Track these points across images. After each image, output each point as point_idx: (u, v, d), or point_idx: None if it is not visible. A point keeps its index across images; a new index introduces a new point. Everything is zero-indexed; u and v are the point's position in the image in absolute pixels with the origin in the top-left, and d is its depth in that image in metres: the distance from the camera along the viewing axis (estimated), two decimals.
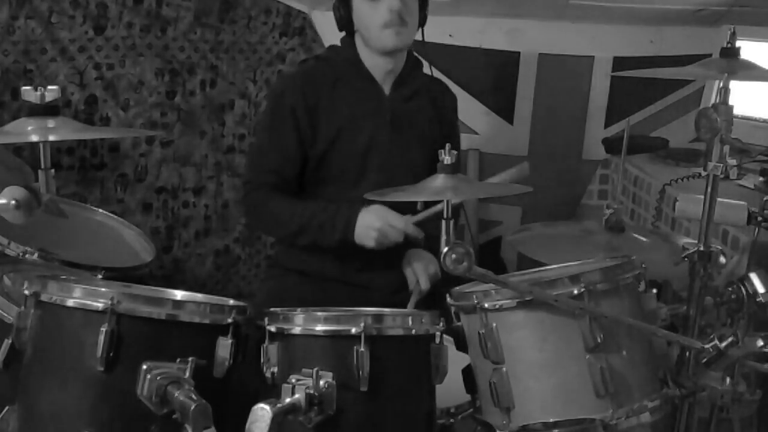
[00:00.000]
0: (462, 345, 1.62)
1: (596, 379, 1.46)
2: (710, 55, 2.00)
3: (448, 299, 1.63)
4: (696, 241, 1.69)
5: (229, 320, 1.48)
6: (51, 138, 1.40)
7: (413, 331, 1.54)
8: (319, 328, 1.49)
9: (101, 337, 1.37)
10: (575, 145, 3.29)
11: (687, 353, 1.64)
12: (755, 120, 2.96)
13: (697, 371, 1.64)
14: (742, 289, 1.60)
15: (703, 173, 1.64)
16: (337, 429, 1.44)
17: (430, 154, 2.24)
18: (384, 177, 2.19)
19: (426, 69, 2.39)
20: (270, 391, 1.44)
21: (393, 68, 2.22)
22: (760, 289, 1.59)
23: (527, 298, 1.49)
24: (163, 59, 2.99)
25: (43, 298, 1.42)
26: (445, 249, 1.39)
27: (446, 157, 1.47)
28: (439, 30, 3.04)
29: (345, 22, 2.21)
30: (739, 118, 1.65)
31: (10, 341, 1.41)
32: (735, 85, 1.61)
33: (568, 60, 3.17)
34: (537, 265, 1.85)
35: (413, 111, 2.26)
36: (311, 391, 1.39)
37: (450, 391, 1.62)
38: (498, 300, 1.51)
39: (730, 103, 1.60)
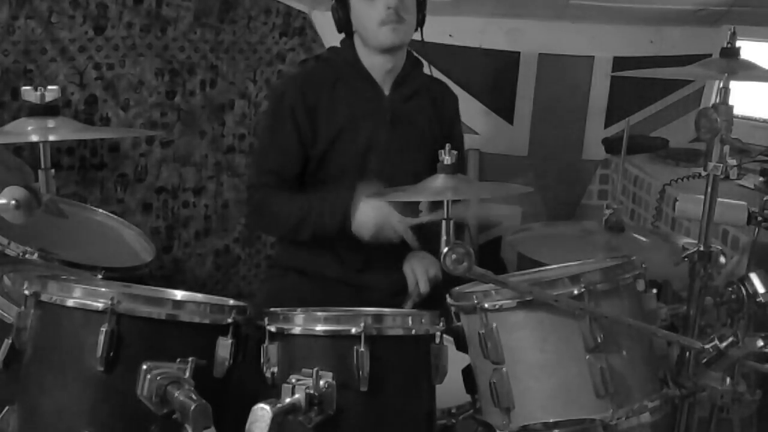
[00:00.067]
0: (462, 345, 1.62)
1: (596, 379, 1.46)
2: (710, 55, 2.00)
3: (448, 299, 1.63)
4: (696, 241, 1.69)
5: (229, 320, 1.48)
6: (51, 138, 1.40)
7: (413, 331, 1.54)
8: (319, 328, 1.49)
9: (101, 337, 1.36)
10: (575, 145, 3.29)
11: (687, 353, 1.64)
12: (755, 120, 2.96)
13: (697, 371, 1.64)
14: (742, 289, 1.60)
15: (703, 173, 1.64)
16: (337, 429, 1.44)
17: (430, 154, 2.24)
18: (384, 177, 2.19)
19: (426, 69, 2.39)
20: (270, 391, 1.44)
21: (392, 67, 2.22)
22: (760, 289, 1.59)
23: (527, 299, 1.49)
24: (163, 59, 2.99)
25: (43, 298, 1.42)
26: (445, 249, 1.39)
27: (446, 157, 1.47)
28: (439, 30, 3.04)
29: (344, 23, 2.22)
30: (739, 118, 1.64)
31: (10, 341, 1.40)
32: (735, 85, 1.61)
33: (568, 60, 3.17)
34: (537, 265, 1.85)
35: (413, 111, 2.26)
36: (311, 391, 1.39)
37: (450, 391, 1.62)
38: (498, 300, 1.51)
39: (730, 103, 1.60)
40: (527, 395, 1.51)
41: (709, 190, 1.65)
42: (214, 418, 1.29)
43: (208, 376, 1.44)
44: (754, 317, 1.61)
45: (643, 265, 1.60)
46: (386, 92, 2.24)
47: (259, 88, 3.20)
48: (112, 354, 1.37)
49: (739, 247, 2.24)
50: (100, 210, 2.34)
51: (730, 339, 1.52)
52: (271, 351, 1.49)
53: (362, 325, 1.45)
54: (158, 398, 1.34)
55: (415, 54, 2.33)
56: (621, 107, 3.16)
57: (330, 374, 1.43)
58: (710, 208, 1.66)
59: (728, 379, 1.65)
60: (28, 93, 1.41)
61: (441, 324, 1.57)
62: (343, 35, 2.27)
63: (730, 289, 1.63)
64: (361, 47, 2.22)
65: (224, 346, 1.47)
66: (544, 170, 3.23)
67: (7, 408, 1.40)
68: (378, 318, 1.50)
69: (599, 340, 1.46)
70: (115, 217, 2.33)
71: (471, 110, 3.12)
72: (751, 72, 1.65)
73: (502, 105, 3.23)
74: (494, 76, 3.20)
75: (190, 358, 1.40)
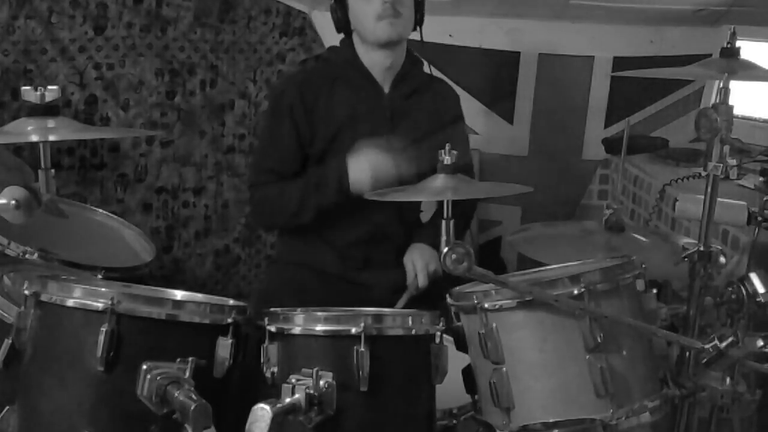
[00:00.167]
0: (462, 345, 1.62)
1: (596, 379, 1.46)
2: (710, 55, 2.00)
3: (448, 299, 1.63)
4: (696, 241, 1.69)
5: (229, 320, 1.48)
6: (51, 138, 1.40)
7: (413, 331, 1.54)
8: (319, 328, 1.49)
9: (101, 337, 1.37)
10: (575, 145, 3.29)
11: (687, 353, 1.64)
12: (755, 120, 2.96)
13: (697, 371, 1.64)
14: (742, 289, 1.60)
15: (703, 173, 1.64)
16: (337, 429, 1.44)
17: (431, 152, 2.24)
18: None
19: (426, 68, 2.39)
20: (270, 391, 1.44)
21: (391, 64, 2.22)
22: (760, 289, 1.59)
23: (527, 299, 1.49)
24: (163, 59, 2.99)
25: (43, 298, 1.42)
26: (445, 249, 1.39)
27: (446, 157, 1.47)
28: (439, 30, 3.04)
29: (342, 23, 2.22)
30: (739, 118, 1.65)
31: (10, 341, 1.41)
32: (735, 85, 1.61)
33: (568, 60, 3.17)
34: (537, 265, 1.85)
35: (413, 109, 2.26)
36: (311, 391, 1.39)
37: (450, 391, 1.62)
38: (498, 300, 1.51)
39: (730, 103, 1.60)
40: (527, 395, 1.51)
41: (709, 190, 1.64)
42: (214, 418, 1.29)
43: (208, 376, 1.44)
44: (754, 317, 1.61)
45: (643, 265, 1.60)
46: (386, 90, 2.24)
47: (259, 88, 3.20)
48: (112, 354, 1.37)
49: (739, 247, 2.24)
50: (100, 210, 2.34)
51: (730, 339, 1.52)
52: (271, 351, 1.49)
53: (362, 325, 1.45)
54: (158, 398, 1.34)
55: (415, 53, 2.33)
56: (621, 107, 3.16)
57: (330, 374, 1.43)
58: (710, 208, 1.65)
59: (728, 379, 1.65)
60: (28, 93, 1.42)
61: (441, 324, 1.57)
62: (342, 36, 2.27)
63: (730, 289, 1.63)
64: (360, 45, 2.22)
65: (224, 346, 1.47)
66: (544, 170, 3.23)
67: (7, 408, 1.40)
68: (378, 318, 1.50)
69: (599, 340, 1.46)
70: (115, 217, 2.33)
71: (471, 110, 3.12)
72: (751, 72, 1.65)
73: (502, 105, 3.23)
74: (494, 76, 3.20)
75: (190, 358, 1.40)
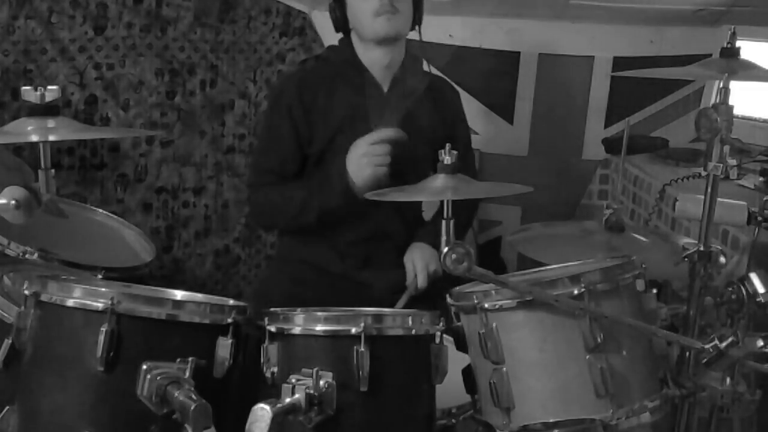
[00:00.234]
0: (462, 345, 1.62)
1: (596, 379, 1.46)
2: (710, 55, 2.00)
3: (448, 299, 1.63)
4: (696, 241, 1.69)
5: (229, 320, 1.48)
6: (51, 138, 1.40)
7: (413, 331, 1.54)
8: (319, 328, 1.49)
9: (101, 337, 1.36)
10: (575, 145, 3.29)
11: (687, 353, 1.64)
12: (755, 120, 2.96)
13: (697, 371, 1.64)
14: (742, 289, 1.60)
15: (703, 173, 1.64)
16: (337, 429, 1.44)
17: (431, 151, 2.24)
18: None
19: (425, 67, 2.38)
20: (270, 391, 1.44)
21: (390, 62, 2.22)
22: (760, 289, 1.59)
23: (527, 298, 1.49)
24: (163, 59, 2.99)
25: (43, 298, 1.42)
26: (445, 249, 1.39)
27: (446, 157, 1.47)
28: (439, 30, 3.04)
29: (341, 22, 2.22)
30: (739, 118, 1.65)
31: (10, 341, 1.40)
32: (735, 85, 1.61)
33: (568, 60, 3.17)
34: (537, 265, 1.85)
35: (412, 108, 2.26)
36: (311, 391, 1.39)
37: (450, 391, 1.62)
38: (498, 300, 1.51)
39: (730, 103, 1.60)
40: (527, 395, 1.51)
41: (709, 190, 1.64)
42: (214, 418, 1.29)
43: (208, 376, 1.44)
44: (754, 317, 1.60)
45: (643, 265, 1.60)
46: (385, 89, 2.24)
47: (259, 88, 3.20)
48: (112, 354, 1.37)
49: (739, 247, 2.24)
50: (100, 210, 2.34)
51: (730, 339, 1.52)
52: (271, 351, 1.49)
53: (362, 325, 1.45)
54: (158, 398, 1.34)
55: (414, 52, 2.32)
56: (621, 107, 3.16)
57: (330, 374, 1.43)
58: (710, 208, 1.65)
59: (728, 379, 1.65)
60: (28, 93, 1.41)
61: (441, 324, 1.57)
62: (341, 35, 2.27)
63: (730, 289, 1.62)
64: (359, 44, 2.22)
65: (224, 346, 1.47)
66: (544, 170, 3.23)
67: (7, 408, 1.40)
68: (378, 318, 1.50)
69: (599, 340, 1.46)
70: (115, 217, 2.33)
71: (471, 110, 3.11)
72: (751, 72, 1.65)
73: (502, 105, 3.22)
74: (494, 76, 3.20)
75: (190, 358, 1.40)
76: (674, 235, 2.51)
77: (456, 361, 1.60)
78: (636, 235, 2.07)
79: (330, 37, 2.37)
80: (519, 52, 3.15)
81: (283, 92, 2.25)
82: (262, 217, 2.36)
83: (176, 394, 1.31)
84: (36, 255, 1.80)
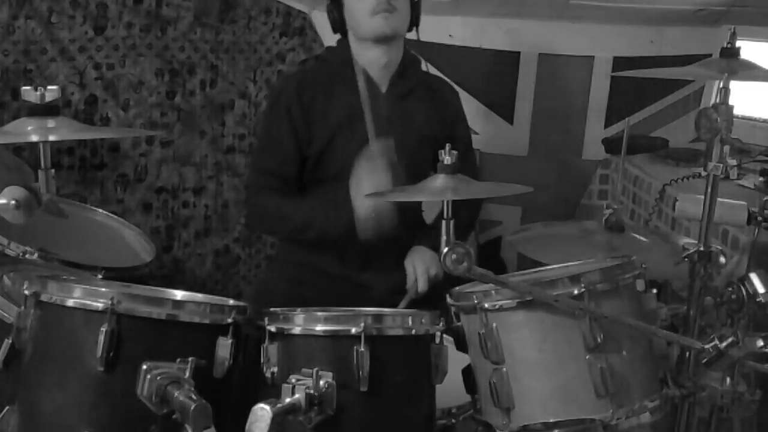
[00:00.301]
0: (462, 345, 1.62)
1: (596, 379, 1.46)
2: (710, 55, 2.00)
3: (448, 299, 1.63)
4: (696, 241, 1.69)
5: (229, 320, 1.48)
6: (51, 138, 1.40)
7: (413, 331, 1.54)
8: (319, 328, 1.49)
9: (101, 337, 1.36)
10: (575, 145, 3.29)
11: (687, 353, 1.64)
12: (755, 120, 2.96)
13: (697, 371, 1.64)
14: (742, 289, 1.60)
15: (703, 173, 1.64)
16: (337, 429, 1.44)
17: (431, 151, 2.24)
18: None
19: (423, 66, 2.38)
20: (270, 391, 1.44)
21: (388, 62, 2.22)
22: (760, 289, 1.59)
23: (527, 299, 1.49)
24: (163, 59, 2.99)
25: (43, 298, 1.42)
26: (445, 249, 1.39)
27: (446, 157, 1.47)
28: (439, 30, 3.04)
29: (339, 23, 2.22)
30: (739, 118, 1.65)
31: (10, 341, 1.41)
32: (735, 85, 1.61)
33: (568, 60, 3.17)
34: (537, 265, 1.85)
35: (411, 108, 2.26)
36: (311, 391, 1.39)
37: (450, 391, 1.62)
38: (498, 300, 1.51)
39: (730, 103, 1.60)
40: (527, 395, 1.51)
41: (709, 190, 1.64)
42: (214, 418, 1.29)
43: (208, 376, 1.44)
44: (754, 317, 1.61)
45: (643, 265, 1.60)
46: (383, 90, 2.24)
47: (259, 88, 3.20)
48: (112, 354, 1.37)
49: (739, 247, 2.24)
50: (100, 210, 2.35)
51: (730, 339, 1.52)
52: (271, 351, 1.49)
53: (362, 325, 1.45)
54: (158, 398, 1.34)
55: (413, 52, 2.32)
56: (621, 107, 3.16)
57: (330, 374, 1.43)
58: (710, 208, 1.65)
59: (728, 379, 1.65)
60: (28, 93, 1.41)
61: (441, 324, 1.57)
62: (339, 36, 2.28)
63: (730, 289, 1.63)
64: (357, 44, 2.22)
65: (224, 346, 1.47)
66: (544, 170, 3.23)
67: (7, 408, 1.40)
68: (378, 318, 1.50)
69: (599, 340, 1.46)
70: (115, 217, 2.33)
71: (471, 110, 3.11)
72: (751, 72, 1.65)
73: (502, 105, 3.22)
74: (494, 76, 3.20)
75: (190, 358, 1.40)
76: (674, 235, 2.51)
77: (456, 361, 1.60)
78: (636, 235, 2.07)
79: (330, 37, 2.37)
80: (519, 52, 3.15)
81: (281, 94, 2.25)
82: (260, 224, 2.36)
83: (176, 394, 1.31)
84: (36, 255, 1.80)
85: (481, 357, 1.53)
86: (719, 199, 1.66)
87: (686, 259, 1.69)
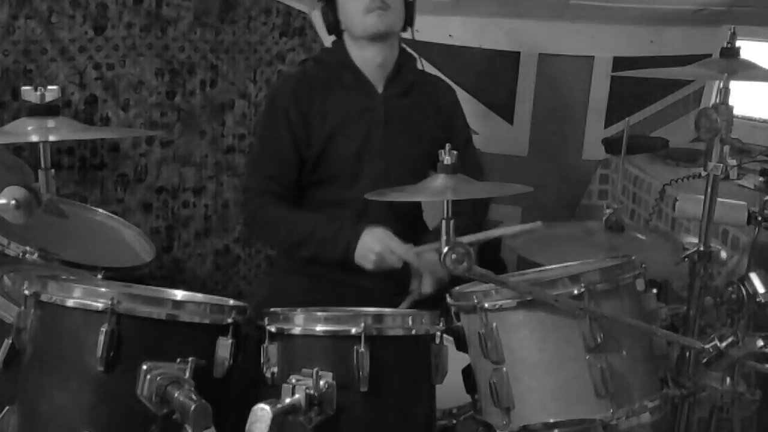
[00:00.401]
0: (462, 345, 1.62)
1: (596, 379, 1.46)
2: (710, 55, 2.00)
3: (448, 299, 1.63)
4: (696, 241, 1.69)
5: (229, 320, 1.48)
6: (51, 138, 1.40)
7: (413, 331, 1.54)
8: (319, 328, 1.49)
9: (101, 337, 1.36)
10: (575, 145, 3.29)
11: (687, 353, 1.64)
12: (755, 120, 2.96)
13: (697, 371, 1.64)
14: (742, 289, 1.60)
15: (703, 173, 1.64)
16: (337, 429, 1.44)
17: (429, 150, 2.24)
18: (381, 175, 2.19)
19: (419, 65, 2.38)
20: (270, 391, 1.44)
21: (383, 61, 2.22)
22: (760, 289, 1.59)
23: (527, 298, 1.49)
24: (163, 59, 2.99)
25: (43, 298, 1.42)
26: (445, 249, 1.39)
27: (446, 157, 1.47)
28: (439, 30, 3.04)
29: (333, 25, 2.23)
30: (739, 118, 1.65)
31: (10, 341, 1.41)
32: (735, 85, 1.61)
33: (568, 60, 3.17)
34: (537, 265, 1.85)
35: (408, 107, 2.26)
36: (311, 391, 1.39)
37: (450, 391, 1.62)
38: (498, 300, 1.51)
39: (730, 103, 1.60)
40: (527, 395, 1.51)
41: (709, 190, 1.64)
42: (214, 418, 1.29)
43: (208, 376, 1.44)
44: (754, 317, 1.61)
45: (643, 265, 1.60)
46: (379, 90, 2.24)
47: (259, 88, 3.20)
48: (112, 354, 1.37)
49: (739, 247, 2.24)
50: (100, 210, 2.35)
51: (730, 339, 1.52)
52: (271, 351, 1.49)
53: (362, 325, 1.45)
54: (158, 398, 1.34)
55: (408, 50, 2.32)
56: (621, 107, 3.16)
57: (330, 374, 1.43)
58: (710, 208, 1.65)
59: (728, 379, 1.65)
60: (28, 93, 1.42)
61: (441, 324, 1.57)
62: (334, 38, 2.28)
63: (730, 289, 1.63)
64: (352, 45, 2.22)
65: (224, 346, 1.47)
66: (544, 170, 3.23)
67: (7, 408, 1.40)
68: (378, 318, 1.50)
69: (599, 340, 1.46)
70: (115, 217, 2.33)
71: (471, 110, 3.11)
72: (751, 72, 1.65)
73: (502, 105, 3.22)
74: (494, 76, 3.20)
75: (190, 358, 1.40)
76: (675, 233, 2.51)
77: (456, 361, 1.60)
78: (636, 235, 2.07)
79: (329, 37, 2.37)
80: (519, 52, 3.15)
81: (278, 96, 2.25)
82: (256, 232, 2.36)
83: (176, 394, 1.31)
84: (36, 255, 1.80)
85: (481, 357, 1.53)
86: (719, 199, 1.66)
87: (686, 259, 1.69)
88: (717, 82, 1.63)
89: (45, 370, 1.41)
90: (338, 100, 2.21)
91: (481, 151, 3.18)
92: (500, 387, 1.51)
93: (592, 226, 2.11)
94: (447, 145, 1.47)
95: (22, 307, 1.42)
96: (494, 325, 1.51)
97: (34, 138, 1.40)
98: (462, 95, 2.48)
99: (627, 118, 2.12)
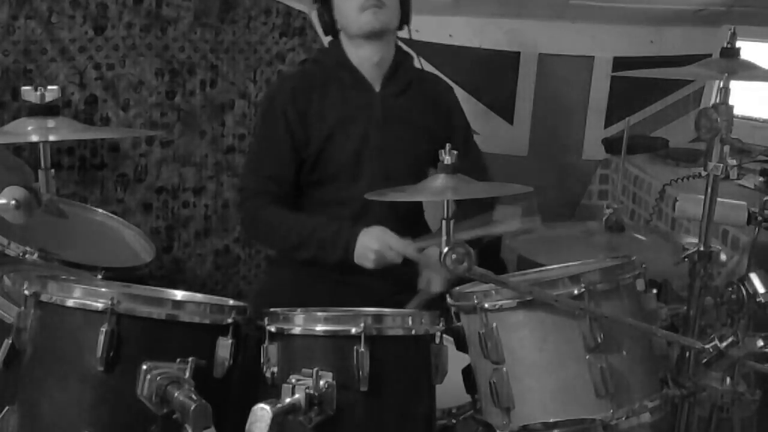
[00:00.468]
0: (462, 345, 1.62)
1: (596, 379, 1.46)
2: (710, 55, 2.00)
3: (448, 299, 1.63)
4: (696, 241, 1.69)
5: (229, 320, 1.48)
6: (51, 138, 1.40)
7: (413, 331, 1.54)
8: (319, 328, 1.49)
9: (101, 337, 1.36)
10: (575, 145, 3.29)
11: (687, 353, 1.64)
12: (755, 120, 2.96)
13: (697, 371, 1.64)
14: (742, 289, 1.60)
15: (703, 173, 1.64)
16: (337, 429, 1.44)
17: (429, 148, 2.23)
18: (380, 174, 2.19)
19: (416, 63, 2.38)
20: (270, 391, 1.44)
21: (380, 60, 2.22)
22: (760, 289, 1.59)
23: (527, 299, 1.49)
24: (163, 59, 2.99)
25: (43, 298, 1.42)
26: (445, 249, 1.39)
27: (446, 157, 1.47)
28: (439, 30, 3.04)
29: (329, 25, 2.23)
30: (739, 118, 1.65)
31: (10, 341, 1.41)
32: (735, 85, 1.61)
33: (568, 60, 3.17)
34: (537, 265, 1.85)
35: (406, 106, 2.26)
36: (311, 391, 1.39)
37: (450, 391, 1.62)
38: (498, 300, 1.51)
39: (730, 103, 1.60)
40: (527, 395, 1.51)
41: (709, 190, 1.64)
42: (214, 418, 1.29)
43: (208, 376, 1.44)
44: (754, 317, 1.61)
45: (643, 265, 1.60)
46: (376, 89, 2.24)
47: (259, 88, 3.20)
48: (112, 354, 1.37)
49: (739, 247, 2.24)
50: (100, 210, 2.35)
51: (730, 339, 1.52)
52: (271, 351, 1.49)
53: (362, 325, 1.45)
54: (158, 398, 1.34)
55: (405, 48, 2.32)
56: (621, 107, 3.16)
57: (330, 374, 1.43)
58: (710, 208, 1.65)
59: (728, 379, 1.65)
60: (28, 93, 1.42)
61: (441, 324, 1.57)
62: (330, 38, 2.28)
63: (730, 289, 1.63)
64: (348, 44, 2.22)
65: (224, 346, 1.47)
66: (544, 170, 3.23)
67: (7, 408, 1.40)
68: (378, 318, 1.50)
69: (599, 340, 1.46)
70: (115, 217, 2.34)
71: (471, 110, 3.11)
72: (751, 72, 1.65)
73: (502, 105, 3.23)
74: (494, 76, 3.20)
75: (190, 358, 1.40)
76: (675, 234, 2.51)
77: (456, 361, 1.60)
78: (636, 235, 2.07)
79: (329, 38, 2.37)
80: (519, 52, 3.16)
81: (275, 97, 2.25)
82: (253, 233, 2.35)
83: (176, 394, 1.31)
84: (36, 255, 1.80)
85: (481, 357, 1.53)
86: (719, 199, 1.66)
87: (686, 259, 1.69)
88: (717, 82, 1.63)
89: (45, 370, 1.41)
90: (336, 100, 2.21)
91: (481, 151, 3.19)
92: (500, 387, 1.51)
93: (592, 226, 2.11)
94: (447, 144, 1.47)
95: (22, 307, 1.42)
96: (494, 325, 1.51)
97: (34, 138, 1.40)
98: (462, 95, 2.48)
99: (627, 118, 2.13)
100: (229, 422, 1.43)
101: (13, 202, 1.37)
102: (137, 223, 2.51)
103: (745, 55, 1.66)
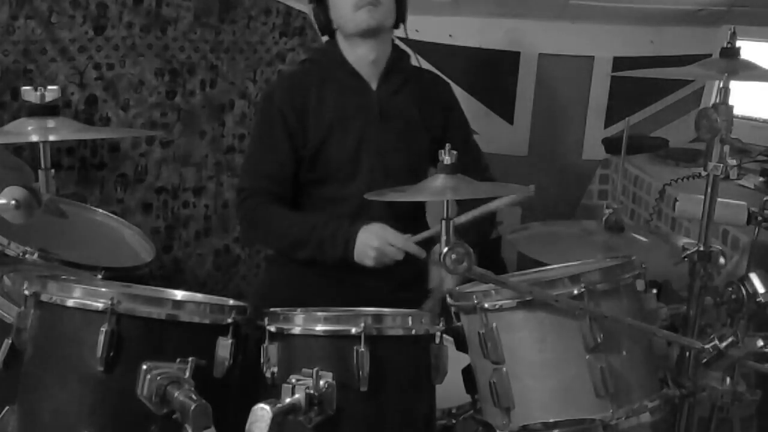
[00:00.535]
0: (462, 345, 1.62)
1: (596, 379, 1.46)
2: (710, 55, 2.00)
3: (448, 299, 1.63)
4: (696, 241, 1.69)
5: (229, 320, 1.48)
6: (51, 138, 1.40)
7: (413, 331, 1.54)
8: (319, 328, 1.49)
9: (101, 337, 1.36)
10: (575, 145, 3.29)
11: (687, 353, 1.64)
12: (755, 120, 2.96)
13: (697, 371, 1.64)
14: (742, 289, 1.60)
15: (703, 173, 1.64)
16: (337, 429, 1.44)
17: (427, 145, 2.23)
18: (378, 172, 2.20)
19: (414, 61, 2.38)
20: (270, 391, 1.44)
21: (376, 58, 2.22)
22: (760, 289, 1.59)
23: (527, 298, 1.49)
24: (163, 59, 2.99)
25: (43, 298, 1.42)
26: (445, 249, 1.39)
27: (446, 157, 1.47)
28: (439, 30, 3.04)
29: (325, 24, 2.23)
30: (739, 118, 1.65)
31: (10, 341, 1.41)
32: (735, 85, 1.61)
33: (568, 60, 3.17)
34: (537, 264, 1.85)
35: (403, 104, 2.26)
36: (311, 391, 1.39)
37: (450, 391, 1.62)
38: (498, 300, 1.51)
39: (730, 103, 1.60)
40: (527, 395, 1.51)
41: (709, 190, 1.64)
42: (214, 418, 1.29)
43: (208, 376, 1.44)
44: (754, 317, 1.61)
45: (643, 265, 1.60)
46: (373, 87, 2.24)
47: (259, 88, 3.20)
48: (112, 354, 1.37)
49: (739, 247, 2.24)
50: (100, 210, 2.35)
51: (730, 339, 1.52)
52: (271, 351, 1.49)
53: (362, 325, 1.45)
54: (158, 398, 1.34)
55: (402, 45, 2.32)
56: (621, 107, 3.16)
57: (330, 374, 1.43)
58: (710, 208, 1.65)
59: (728, 379, 1.65)
60: (28, 93, 1.42)
61: (441, 324, 1.57)
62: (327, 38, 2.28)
63: (730, 289, 1.63)
64: (344, 43, 2.23)
65: (224, 346, 1.47)
66: (544, 170, 3.23)
67: (7, 408, 1.40)
68: (378, 318, 1.51)
69: (599, 340, 1.46)
70: (115, 217, 2.33)
71: (471, 110, 3.12)
72: (751, 72, 1.65)
73: (502, 105, 3.23)
74: (494, 76, 3.20)
75: (190, 358, 1.40)
76: (674, 235, 2.51)
77: (456, 361, 1.60)
78: (636, 235, 2.08)
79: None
80: (519, 52, 3.16)
81: (272, 96, 2.25)
82: (254, 234, 2.35)
83: (176, 394, 1.31)
84: (36, 255, 1.80)
85: (481, 357, 1.53)
86: (719, 199, 1.66)
87: (686, 259, 1.69)
88: (717, 82, 1.63)
89: (45, 370, 1.41)
90: (333, 98, 2.22)
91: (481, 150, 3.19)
92: (500, 387, 1.51)
93: (591, 226, 2.11)
94: (447, 144, 1.47)
95: (22, 307, 1.42)
96: (494, 325, 1.51)
97: (34, 138, 1.40)
98: (462, 95, 2.48)
99: (627, 118, 2.13)
100: (229, 422, 1.43)
101: (13, 202, 1.37)
102: (137, 223, 2.50)
103: (745, 55, 1.66)
